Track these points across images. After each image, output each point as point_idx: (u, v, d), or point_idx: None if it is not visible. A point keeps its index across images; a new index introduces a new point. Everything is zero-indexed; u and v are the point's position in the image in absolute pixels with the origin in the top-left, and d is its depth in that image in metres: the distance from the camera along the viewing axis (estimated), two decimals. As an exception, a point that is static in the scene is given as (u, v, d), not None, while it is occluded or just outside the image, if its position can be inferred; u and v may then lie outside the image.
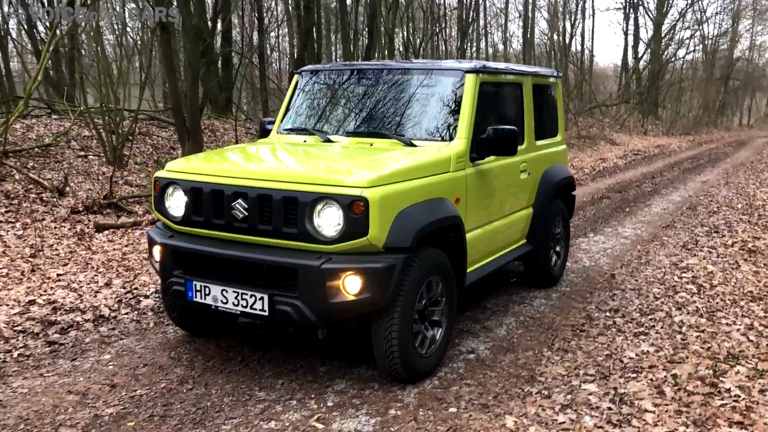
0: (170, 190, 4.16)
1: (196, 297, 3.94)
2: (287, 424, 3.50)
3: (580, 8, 33.50)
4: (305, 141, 4.78)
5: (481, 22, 30.71)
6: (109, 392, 3.83)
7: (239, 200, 3.81)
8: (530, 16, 31.67)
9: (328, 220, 3.65)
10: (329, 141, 4.68)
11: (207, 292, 3.90)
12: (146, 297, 5.47)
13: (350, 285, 3.61)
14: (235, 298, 3.81)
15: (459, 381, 4.08)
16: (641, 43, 35.79)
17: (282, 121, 5.19)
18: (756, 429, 3.59)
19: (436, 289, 4.10)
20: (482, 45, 32.72)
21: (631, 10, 35.74)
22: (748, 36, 47.51)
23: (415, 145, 4.43)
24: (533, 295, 5.83)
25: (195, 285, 3.93)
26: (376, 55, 18.99)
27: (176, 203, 4.14)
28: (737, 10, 42.71)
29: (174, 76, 11.83)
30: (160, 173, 4.24)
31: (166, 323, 4.98)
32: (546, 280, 5.99)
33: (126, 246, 7.25)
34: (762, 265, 7.08)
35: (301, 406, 3.70)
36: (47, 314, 4.98)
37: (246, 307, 3.78)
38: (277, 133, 5.13)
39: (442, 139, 4.50)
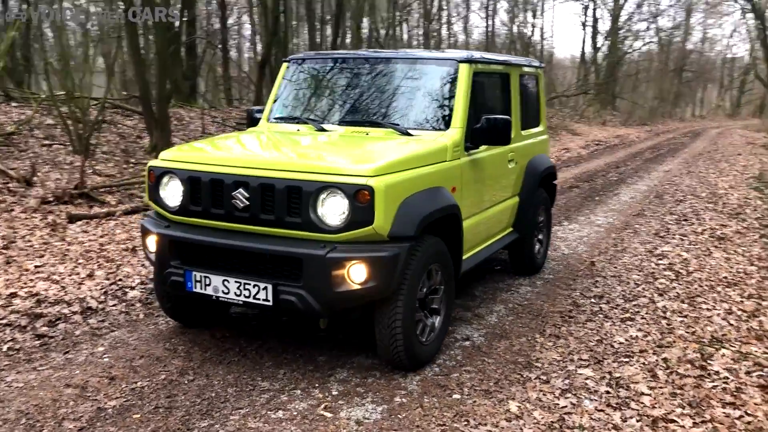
0: (165, 179, 4.09)
1: (195, 287, 3.90)
2: (295, 413, 3.49)
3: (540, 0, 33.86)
4: (299, 130, 4.75)
5: (443, 12, 30.78)
6: (109, 385, 3.77)
7: (240, 189, 3.77)
8: (492, 6, 31.89)
9: (333, 210, 3.63)
10: (323, 130, 4.66)
11: (207, 283, 3.85)
12: (132, 288, 5.38)
13: (355, 274, 3.61)
14: (238, 288, 3.77)
15: (459, 368, 4.13)
16: (599, 35, 36.37)
17: (271, 109, 5.14)
18: (748, 409, 3.73)
19: (435, 278, 4.13)
20: (444, 34, 32.86)
21: (590, 2, 36.27)
22: (701, 29, 48.70)
23: (411, 134, 4.45)
24: (519, 283, 5.92)
25: (195, 275, 3.88)
26: (341, 43, 18.91)
27: (172, 193, 4.07)
28: (690, 3, 43.72)
29: (141, 64, 11.63)
30: (154, 162, 4.17)
31: (156, 314, 4.90)
32: (530, 267, 6.08)
33: (101, 237, 7.10)
34: (732, 252, 7.31)
35: (306, 395, 3.70)
36: (31, 307, 4.86)
37: (249, 297, 3.75)
38: (267, 121, 5.08)
39: (437, 129, 4.52)
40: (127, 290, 5.33)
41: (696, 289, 5.89)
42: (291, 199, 3.68)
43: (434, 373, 4.04)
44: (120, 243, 6.83)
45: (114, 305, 5.03)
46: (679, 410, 3.68)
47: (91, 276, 5.65)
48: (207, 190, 3.89)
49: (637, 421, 3.55)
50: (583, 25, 36.87)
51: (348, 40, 20.62)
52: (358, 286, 3.62)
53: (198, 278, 3.88)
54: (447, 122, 4.53)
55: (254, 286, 3.73)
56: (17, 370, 3.95)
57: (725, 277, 6.28)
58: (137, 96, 14.76)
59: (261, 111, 5.24)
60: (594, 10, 36.57)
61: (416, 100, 4.71)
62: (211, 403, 3.58)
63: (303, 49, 24.57)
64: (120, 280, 5.55)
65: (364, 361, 4.17)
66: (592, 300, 5.52)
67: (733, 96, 52.17)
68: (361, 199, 3.56)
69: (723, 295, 5.75)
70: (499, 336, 4.68)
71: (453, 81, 4.65)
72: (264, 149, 4.40)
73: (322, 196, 3.64)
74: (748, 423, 3.58)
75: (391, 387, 3.83)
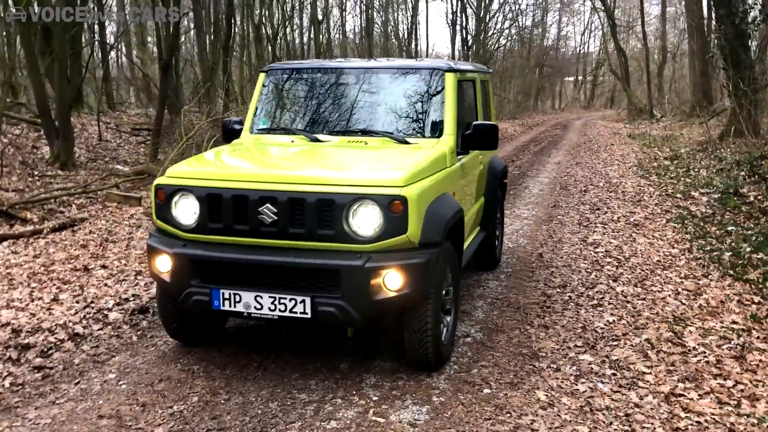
0: (177, 197, 4.00)
1: (224, 305, 3.85)
2: (348, 421, 3.56)
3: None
4: (293, 141, 4.76)
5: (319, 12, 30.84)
6: (144, 412, 3.65)
7: (267, 205, 3.78)
8: (367, 5, 32.32)
9: (366, 220, 3.72)
10: (317, 140, 4.70)
11: (237, 300, 3.83)
12: (110, 310, 5.16)
13: (391, 282, 3.73)
14: (272, 303, 3.78)
15: (474, 364, 4.34)
16: (468, 34, 37.74)
17: (253, 121, 5.10)
18: (734, 378, 4.21)
19: (448, 279, 4.32)
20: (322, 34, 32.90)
21: (458, 3, 37.57)
22: (556, 27, 51.85)
23: (409, 143, 4.60)
24: (485, 278, 6.22)
25: (223, 293, 3.84)
26: (232, 44, 18.56)
27: (186, 211, 3.99)
28: (546, 2, 46.45)
29: (37, 70, 10.95)
30: (163, 180, 4.06)
31: (149, 336, 4.76)
32: (492, 262, 6.41)
33: (36, 257, 6.70)
34: (651, 237, 8.03)
35: (349, 403, 3.77)
36: (10, 337, 4.56)
37: (285, 311, 3.77)
38: (251, 133, 5.04)
39: (430, 136, 4.70)
40: (105, 312, 5.10)
41: (640, 273, 6.46)
42: (322, 212, 3.73)
43: (455, 371, 4.23)
44: (64, 263, 6.48)
45: (100, 329, 4.82)
46: (681, 385, 4.10)
47: (56, 300, 5.36)
48: (229, 207, 3.85)
49: (653, 398, 3.93)
50: (452, 24, 38.13)
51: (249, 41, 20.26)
52: (394, 294, 3.74)
53: (227, 296, 3.84)
54: (439, 129, 4.72)
55: (290, 299, 3.75)
56: (34, 405, 3.73)
57: (658, 261, 6.91)
58: (23, 103, 13.86)
59: (239, 122, 5.18)
60: (461, 9, 37.89)
61: (405, 109, 4.86)
62: (261, 420, 3.57)
63: (192, 51, 23.70)
64: (92, 302, 5.30)
65: (384, 364, 4.29)
66: (558, 290, 5.93)
67: (586, 89, 55.98)
68: (394, 209, 3.68)
69: (664, 278, 6.34)
70: (495, 330, 4.94)
71: (441, 89, 4.84)
72: (282, 163, 4.38)
73: (354, 207, 3.72)
74: (742, 390, 4.05)
75: (424, 387, 3.98)
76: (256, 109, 5.15)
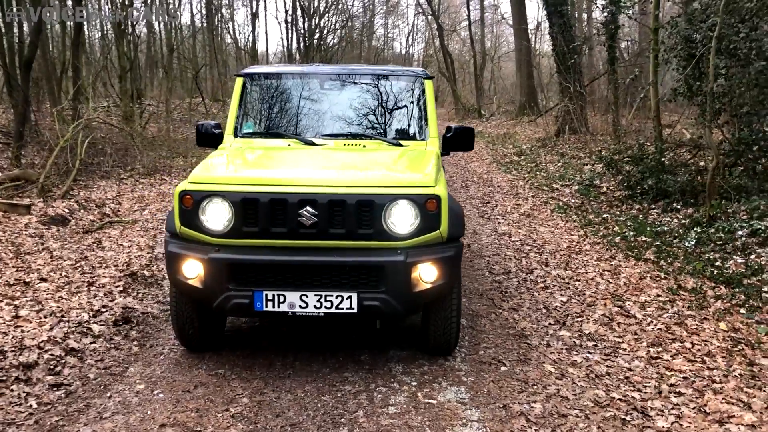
0: (205, 202, 4.00)
1: (266, 307, 3.94)
2: (404, 405, 3.82)
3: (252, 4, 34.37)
4: (289, 144, 4.86)
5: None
6: (202, 417, 3.65)
7: (307, 207, 3.92)
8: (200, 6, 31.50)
9: (403, 218, 3.98)
10: (312, 144, 4.85)
11: (281, 300, 3.93)
12: (87, 323, 4.93)
13: (427, 274, 4.03)
14: (318, 301, 3.93)
15: (477, 346, 4.75)
16: (304, 34, 38.03)
17: (236, 125, 5.11)
18: (688, 340, 4.98)
19: (457, 270, 4.69)
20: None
21: (291, 2, 37.72)
22: (383, 29, 53.64)
23: (402, 145, 4.90)
24: (434, 270, 6.64)
25: (266, 295, 3.92)
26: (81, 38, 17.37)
27: (215, 215, 4.00)
28: (373, 5, 47.90)
29: None
30: (189, 186, 4.03)
31: (149, 345, 4.66)
32: (435, 255, 6.85)
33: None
34: (548, 226, 8.90)
35: (392, 390, 4.02)
36: (-2, 359, 4.27)
37: (331, 307, 3.94)
38: (236, 137, 5.06)
39: (417, 139, 5.04)
40: (87, 326, 4.87)
41: (562, 258, 7.22)
42: (362, 212, 3.95)
43: (465, 354, 4.61)
44: (-9, 278, 6.00)
45: (92, 343, 4.62)
46: (653, 349, 4.79)
47: (19, 317, 5.01)
48: (266, 210, 3.93)
49: (639, 362, 4.57)
50: (287, 23, 38.22)
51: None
52: (430, 285, 4.05)
53: (270, 297, 3.93)
54: (425, 132, 5.07)
55: (337, 296, 3.93)
56: (81, 422, 3.58)
57: (569, 247, 7.74)
58: None
59: (216, 126, 5.17)
60: (294, 10, 38.10)
61: (390, 113, 5.16)
62: (326, 412, 3.72)
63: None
64: (63, 316, 5.02)
65: (400, 353, 4.57)
66: (504, 276, 6.50)
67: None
68: (429, 207, 3.99)
69: (581, 261, 7.14)
70: (473, 315, 5.38)
71: (421, 94, 5.19)
72: (311, 166, 4.44)
73: (392, 206, 3.97)
74: (699, 349, 4.82)
75: (448, 370, 4.32)
76: (238, 113, 5.16)
